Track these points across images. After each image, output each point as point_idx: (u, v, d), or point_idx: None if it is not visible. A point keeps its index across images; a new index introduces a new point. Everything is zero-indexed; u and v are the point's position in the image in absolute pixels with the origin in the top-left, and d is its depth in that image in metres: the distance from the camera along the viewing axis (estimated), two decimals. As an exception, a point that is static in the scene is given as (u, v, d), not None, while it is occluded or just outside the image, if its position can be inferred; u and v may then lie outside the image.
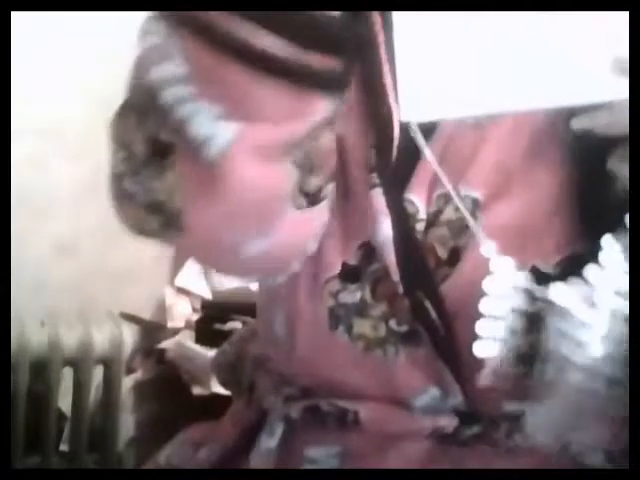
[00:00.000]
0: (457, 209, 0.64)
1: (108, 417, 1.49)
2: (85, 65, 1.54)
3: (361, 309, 0.66)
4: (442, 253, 0.64)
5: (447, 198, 0.65)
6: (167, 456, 0.75)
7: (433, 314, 0.64)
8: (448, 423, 0.65)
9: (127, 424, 1.48)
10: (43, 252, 1.56)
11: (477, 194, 0.65)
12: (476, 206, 0.64)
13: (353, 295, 0.66)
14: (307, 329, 0.68)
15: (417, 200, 0.66)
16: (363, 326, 0.66)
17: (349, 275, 0.66)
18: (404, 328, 0.65)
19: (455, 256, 0.64)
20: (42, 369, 1.46)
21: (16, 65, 1.39)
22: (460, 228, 0.64)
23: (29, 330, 1.47)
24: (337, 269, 0.66)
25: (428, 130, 0.65)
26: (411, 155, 0.62)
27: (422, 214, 0.65)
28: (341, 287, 0.66)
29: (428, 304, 0.64)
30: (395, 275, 0.65)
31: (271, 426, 0.71)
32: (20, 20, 1.41)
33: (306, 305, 0.68)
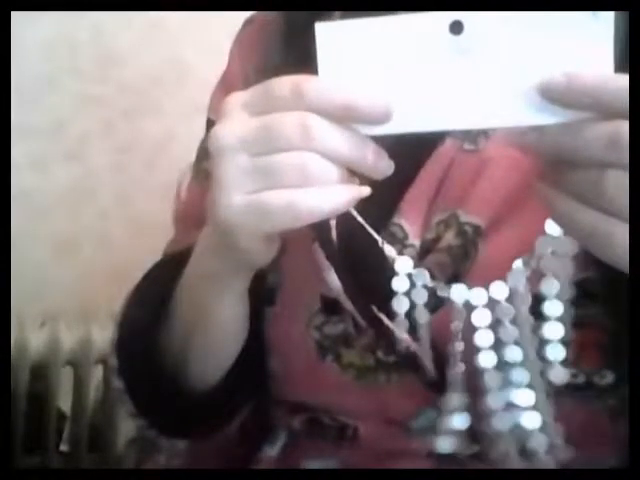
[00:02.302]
0: (458, 235, 0.63)
1: (108, 417, 1.49)
2: (84, 67, 1.54)
3: (346, 340, 0.65)
4: (440, 280, 0.63)
5: (447, 224, 0.64)
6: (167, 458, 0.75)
7: (415, 347, 0.63)
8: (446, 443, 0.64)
9: (127, 424, 1.48)
10: (43, 252, 1.56)
11: (479, 221, 0.63)
12: (477, 234, 0.63)
13: (337, 327, 0.66)
14: (298, 362, 0.68)
15: (407, 225, 0.64)
16: (351, 356, 0.66)
17: (330, 307, 0.66)
18: (392, 358, 0.64)
19: (452, 284, 0.62)
20: (42, 369, 1.46)
21: (16, 65, 1.39)
22: (462, 254, 0.63)
23: (29, 330, 1.47)
24: (317, 304, 0.66)
25: (425, 154, 0.65)
26: (399, 181, 0.60)
27: (412, 240, 0.64)
28: (325, 320, 0.66)
29: (406, 337, 0.62)
30: (362, 321, 0.64)
31: (274, 435, 0.71)
32: (19, 20, 1.41)
33: (294, 340, 0.67)
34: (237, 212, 0.51)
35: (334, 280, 0.64)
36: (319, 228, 0.64)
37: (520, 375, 0.61)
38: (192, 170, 0.80)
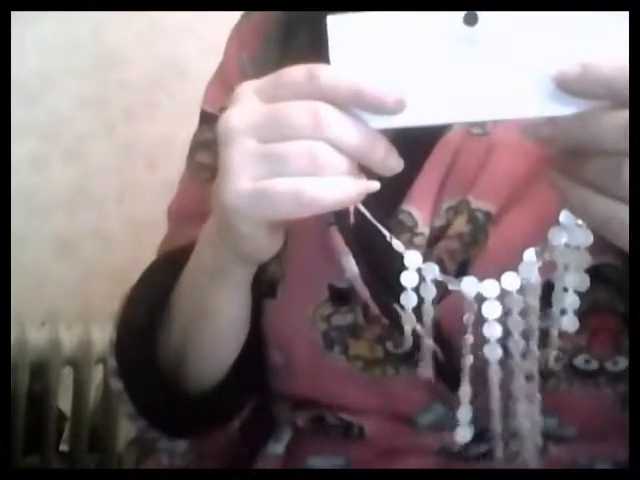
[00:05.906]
0: (469, 221, 0.62)
1: (108, 417, 1.49)
2: (84, 67, 1.54)
3: (355, 331, 0.64)
4: (450, 268, 0.62)
5: (457, 210, 0.63)
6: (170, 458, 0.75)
7: (427, 339, 0.61)
8: (455, 440, 0.62)
9: (127, 424, 1.48)
10: (43, 252, 1.56)
11: (490, 207, 0.62)
12: (488, 220, 0.62)
13: (345, 317, 0.64)
14: (303, 355, 0.66)
15: (416, 212, 0.63)
16: (359, 347, 0.64)
17: (339, 297, 0.64)
18: (401, 350, 0.63)
19: (462, 271, 0.61)
20: (42, 369, 1.46)
21: (16, 65, 1.39)
22: (472, 241, 0.62)
23: (29, 330, 1.47)
24: (325, 294, 0.65)
25: (433, 140, 0.64)
26: (407, 168, 0.59)
27: (422, 227, 0.63)
28: (333, 310, 0.64)
29: (420, 328, 0.61)
30: (375, 310, 0.63)
31: (279, 432, 0.71)
32: (19, 19, 1.41)
33: (298, 332, 0.66)
34: (242, 197, 0.50)
35: (351, 266, 0.62)
36: (338, 212, 0.63)
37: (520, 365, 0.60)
38: (186, 164, 0.79)
